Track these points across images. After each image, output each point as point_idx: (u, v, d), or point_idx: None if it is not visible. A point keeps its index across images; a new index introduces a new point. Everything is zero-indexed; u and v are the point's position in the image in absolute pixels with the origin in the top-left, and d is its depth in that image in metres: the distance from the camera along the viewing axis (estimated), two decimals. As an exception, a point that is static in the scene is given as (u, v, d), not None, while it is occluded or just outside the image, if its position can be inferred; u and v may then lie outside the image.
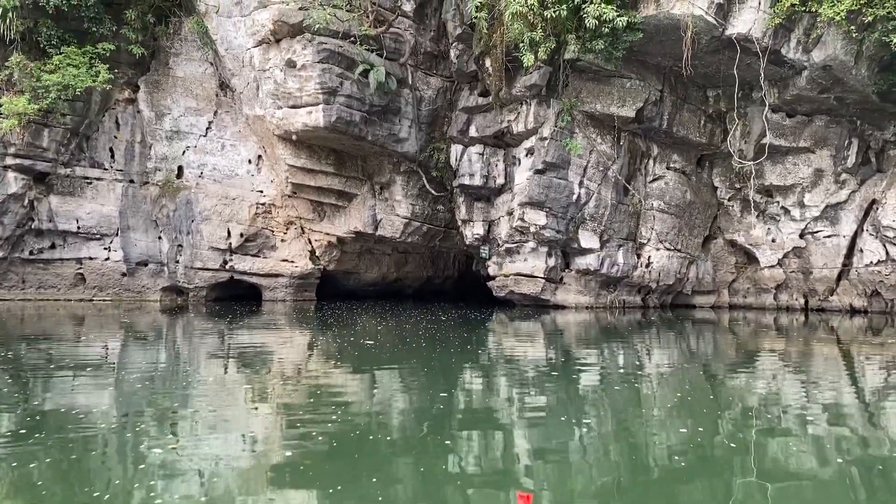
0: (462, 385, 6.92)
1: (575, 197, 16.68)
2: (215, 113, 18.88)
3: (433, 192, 19.04)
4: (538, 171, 16.24)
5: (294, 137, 16.73)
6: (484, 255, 18.86)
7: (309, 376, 7.26)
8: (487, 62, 15.86)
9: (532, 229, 16.79)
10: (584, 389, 6.68)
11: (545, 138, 16.08)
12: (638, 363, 8.60)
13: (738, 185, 18.66)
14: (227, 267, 18.90)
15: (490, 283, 19.04)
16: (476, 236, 18.64)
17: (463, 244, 19.77)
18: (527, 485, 3.89)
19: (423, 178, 18.82)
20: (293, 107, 16.07)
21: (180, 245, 18.57)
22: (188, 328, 12.36)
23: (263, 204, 19.04)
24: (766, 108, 15.78)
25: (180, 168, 18.73)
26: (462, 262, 26.04)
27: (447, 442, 4.75)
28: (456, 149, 18.02)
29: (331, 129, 15.86)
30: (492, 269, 18.79)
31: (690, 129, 17.46)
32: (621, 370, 7.82)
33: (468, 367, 8.03)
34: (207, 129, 18.84)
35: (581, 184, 16.76)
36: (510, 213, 17.46)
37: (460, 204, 18.70)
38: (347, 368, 7.76)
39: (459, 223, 19.13)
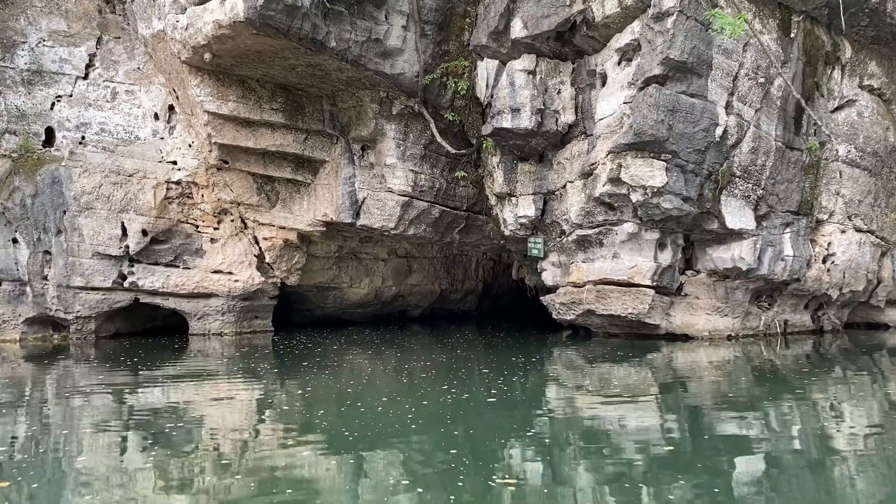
0: (513, 475, 6.44)
1: (719, 131, 13.65)
2: (99, 41, 18.08)
3: (450, 148, 16.78)
4: (652, 81, 13.09)
5: (208, 58, 14.53)
6: (535, 251, 16.96)
7: (257, 458, 7.16)
8: None
9: (635, 198, 13.82)
10: (739, 491, 6.03)
11: (666, 14, 12.88)
12: (823, 436, 7.78)
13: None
14: (125, 284, 17.74)
15: (547, 300, 17.25)
16: (522, 220, 16.56)
17: (498, 235, 18.14)
18: None
19: (432, 126, 16.57)
20: (201, 2, 14.04)
21: (48, 251, 17.52)
22: (66, 383, 12.03)
23: (178, 182, 18.02)
24: None
25: (49, 131, 17.95)
26: (488, 267, 26.10)
27: None
28: (486, 67, 15.44)
29: (259, 24, 13.19)
30: (549, 276, 16.96)
31: (914, 9, 14.96)
32: (799, 450, 7.21)
33: (520, 445, 7.48)
34: (89, 66, 18.06)
35: (729, 106, 13.69)
36: (588, 175, 14.76)
37: (494, 166, 16.40)
38: (319, 445, 7.55)
39: (493, 200, 17.17)
